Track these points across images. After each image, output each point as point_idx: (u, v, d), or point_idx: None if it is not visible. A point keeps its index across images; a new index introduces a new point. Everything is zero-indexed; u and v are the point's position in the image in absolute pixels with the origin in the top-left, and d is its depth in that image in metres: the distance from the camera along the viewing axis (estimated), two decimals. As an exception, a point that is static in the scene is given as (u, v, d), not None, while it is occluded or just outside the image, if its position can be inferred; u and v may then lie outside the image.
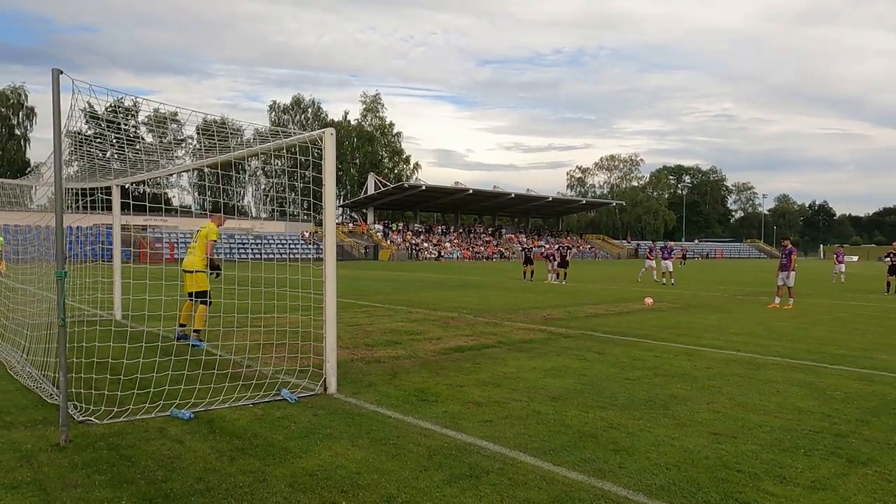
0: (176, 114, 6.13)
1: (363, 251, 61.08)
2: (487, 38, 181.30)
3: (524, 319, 12.99)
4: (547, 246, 48.39)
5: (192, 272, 9.02)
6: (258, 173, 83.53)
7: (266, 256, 48.20)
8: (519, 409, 5.83)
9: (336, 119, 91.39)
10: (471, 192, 68.97)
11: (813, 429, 5.31)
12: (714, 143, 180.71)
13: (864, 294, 21.87)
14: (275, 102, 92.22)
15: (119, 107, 6.74)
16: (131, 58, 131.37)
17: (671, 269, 25.85)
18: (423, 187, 67.77)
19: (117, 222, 12.12)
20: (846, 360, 8.58)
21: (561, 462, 4.43)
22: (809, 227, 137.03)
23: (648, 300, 16.52)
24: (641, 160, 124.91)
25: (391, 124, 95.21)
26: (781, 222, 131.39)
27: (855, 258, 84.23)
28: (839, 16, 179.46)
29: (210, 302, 8.96)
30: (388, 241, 66.25)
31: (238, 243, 51.64)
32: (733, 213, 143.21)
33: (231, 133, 7.35)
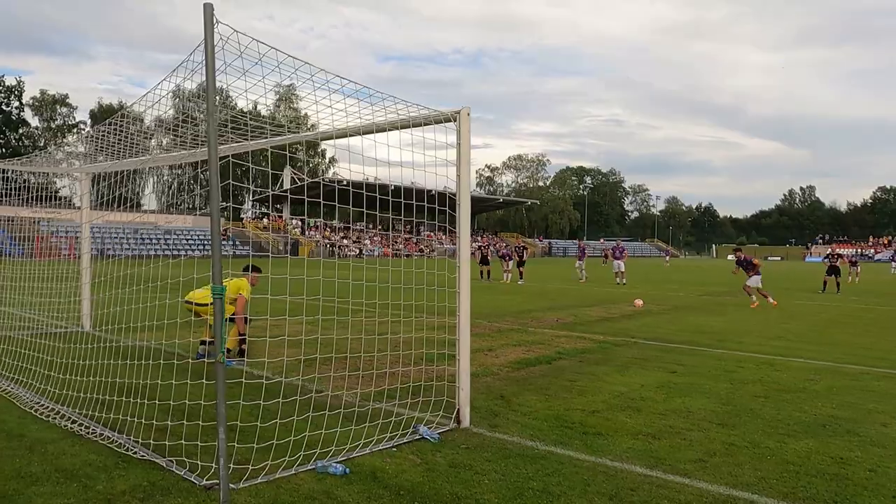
0: (67, 95, 4.42)
1: (281, 248, 58.24)
2: (388, 34, 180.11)
3: (541, 325, 12.25)
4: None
5: (202, 305, 7.42)
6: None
7: (182, 253, 44.69)
8: (706, 442, 5.05)
9: (246, 109, 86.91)
10: (393, 188, 67.61)
11: None
12: (604, 146, 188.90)
13: (804, 293, 22.79)
14: (178, 87, 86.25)
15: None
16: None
17: (623, 269, 26.14)
18: (345, 183, 65.67)
19: (86, 216, 10.27)
20: (916, 367, 8.50)
21: (869, 518, 3.69)
22: (696, 228, 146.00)
23: (638, 302, 16.31)
24: (548, 161, 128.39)
25: (306, 116, 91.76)
26: (672, 223, 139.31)
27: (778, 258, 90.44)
28: (717, 32, 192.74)
29: (248, 319, 7.57)
30: (306, 238, 63.70)
31: (143, 239, 47.50)
32: (629, 214, 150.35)
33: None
